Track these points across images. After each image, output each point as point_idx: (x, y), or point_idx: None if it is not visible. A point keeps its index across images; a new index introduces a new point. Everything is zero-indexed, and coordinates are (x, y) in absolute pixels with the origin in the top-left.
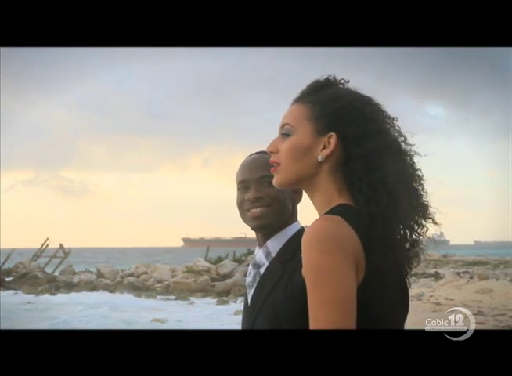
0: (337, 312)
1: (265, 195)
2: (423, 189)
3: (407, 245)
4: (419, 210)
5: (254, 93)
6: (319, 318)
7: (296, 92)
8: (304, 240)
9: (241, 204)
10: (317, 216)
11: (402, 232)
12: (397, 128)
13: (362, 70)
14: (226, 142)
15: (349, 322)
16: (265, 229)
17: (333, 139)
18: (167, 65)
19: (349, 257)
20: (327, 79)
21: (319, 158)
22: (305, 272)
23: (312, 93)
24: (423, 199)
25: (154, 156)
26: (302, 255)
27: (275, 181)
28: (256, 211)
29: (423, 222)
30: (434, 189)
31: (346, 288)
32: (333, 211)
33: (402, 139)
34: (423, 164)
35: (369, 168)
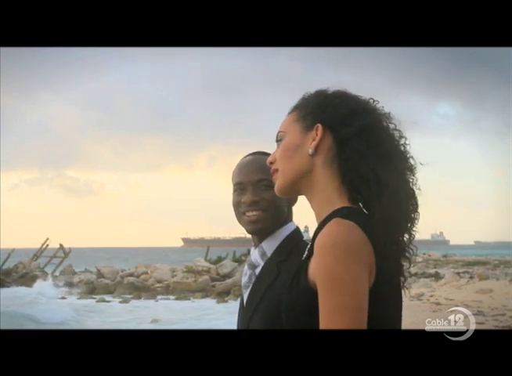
0: (351, 318)
1: (262, 199)
2: (415, 183)
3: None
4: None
5: (262, 93)
6: (331, 324)
7: (305, 91)
8: (318, 244)
9: (237, 206)
10: (313, 216)
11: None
12: (378, 105)
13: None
14: (233, 142)
15: (361, 328)
16: (261, 232)
17: (319, 129)
18: (174, 64)
19: (363, 263)
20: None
21: (310, 151)
22: (318, 277)
23: (300, 101)
24: (415, 196)
25: (159, 155)
26: (315, 260)
27: (276, 189)
28: (252, 214)
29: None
30: (435, 190)
31: (360, 295)
32: (340, 214)
33: (385, 118)
34: (427, 162)
35: (369, 144)
